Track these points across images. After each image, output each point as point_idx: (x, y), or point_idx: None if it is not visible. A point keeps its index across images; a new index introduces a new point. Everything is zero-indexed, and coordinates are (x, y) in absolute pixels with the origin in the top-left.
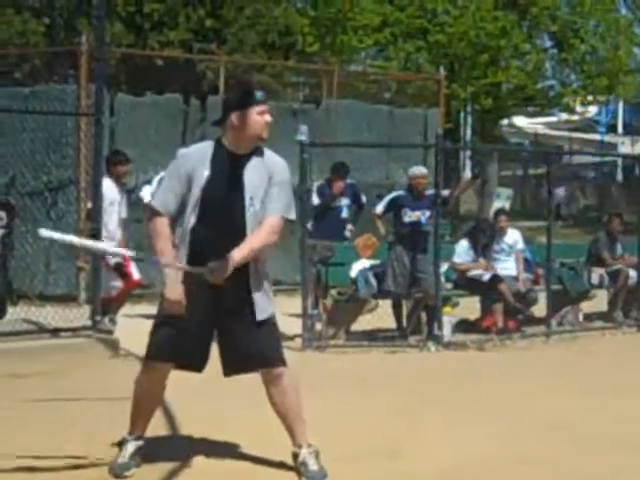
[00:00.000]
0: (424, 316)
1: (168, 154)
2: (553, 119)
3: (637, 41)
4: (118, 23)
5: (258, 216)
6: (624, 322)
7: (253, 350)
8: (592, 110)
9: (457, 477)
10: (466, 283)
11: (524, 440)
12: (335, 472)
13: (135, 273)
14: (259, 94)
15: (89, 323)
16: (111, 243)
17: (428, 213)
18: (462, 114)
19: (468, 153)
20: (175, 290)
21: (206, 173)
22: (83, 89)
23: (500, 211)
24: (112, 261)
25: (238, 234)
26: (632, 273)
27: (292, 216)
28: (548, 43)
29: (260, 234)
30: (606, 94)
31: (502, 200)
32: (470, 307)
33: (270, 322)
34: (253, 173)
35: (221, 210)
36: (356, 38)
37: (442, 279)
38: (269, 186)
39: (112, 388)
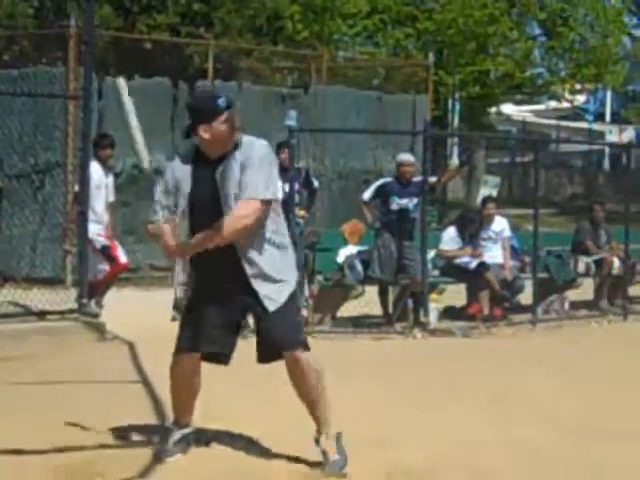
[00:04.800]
0: (410, 303)
1: (157, 138)
2: (541, 107)
3: (626, 30)
4: (107, 6)
5: None
6: (610, 310)
7: (270, 337)
8: (580, 98)
9: (447, 465)
10: (453, 270)
11: (512, 427)
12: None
13: (122, 256)
14: (221, 101)
15: (76, 306)
16: (98, 226)
17: (415, 200)
18: (450, 101)
19: (456, 140)
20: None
21: (189, 184)
22: (71, 72)
23: (488, 198)
24: (99, 244)
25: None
26: (617, 262)
27: (269, 195)
28: (537, 31)
29: (228, 219)
30: (594, 83)
31: (489, 187)
32: (456, 294)
33: (285, 307)
34: (226, 171)
35: (205, 216)
36: (345, 25)
37: (429, 266)
38: (243, 173)
39: (98, 371)
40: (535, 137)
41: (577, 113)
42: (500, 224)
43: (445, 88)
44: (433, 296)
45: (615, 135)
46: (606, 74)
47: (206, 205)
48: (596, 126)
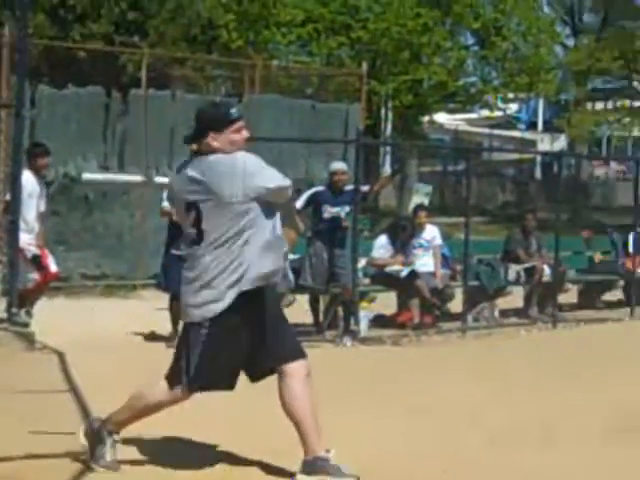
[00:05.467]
0: (341, 311)
1: (89, 147)
2: (474, 116)
3: (558, 39)
4: (41, 14)
5: None
6: (539, 318)
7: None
8: (513, 107)
9: (375, 477)
10: (384, 279)
11: (443, 437)
12: (247, 474)
13: (52, 265)
14: (233, 111)
15: (5, 316)
16: (29, 235)
17: (347, 208)
18: (383, 110)
19: (388, 149)
20: None
21: None
22: (4, 80)
23: (419, 207)
24: (29, 254)
25: None
26: (547, 270)
27: None
28: (470, 40)
29: None
30: (527, 91)
31: (421, 196)
32: (387, 302)
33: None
34: None
35: None
36: (279, 33)
37: (360, 274)
38: None
39: (26, 381)
40: (467, 145)
41: (509, 122)
42: (431, 232)
43: (378, 97)
44: (363, 304)
45: (547, 144)
46: (539, 83)
47: None
48: (528, 135)
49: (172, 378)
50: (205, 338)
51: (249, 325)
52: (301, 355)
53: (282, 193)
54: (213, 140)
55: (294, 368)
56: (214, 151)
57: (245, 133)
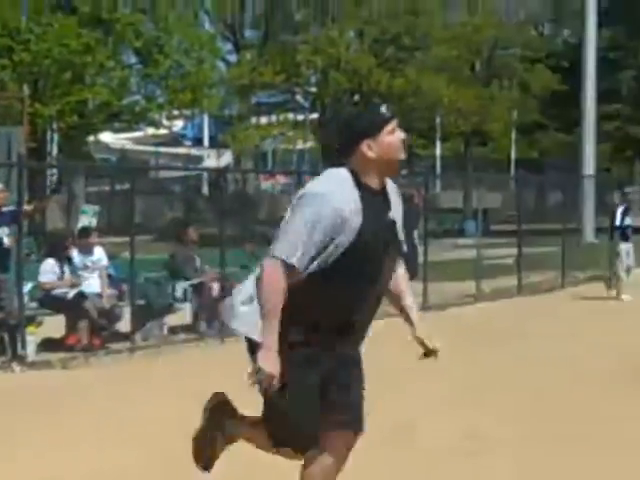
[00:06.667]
0: (7, 337)
1: None
2: (140, 134)
3: (220, 54)
4: None
5: None
6: (207, 333)
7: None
8: (178, 124)
9: None
10: (51, 301)
11: (118, 454)
12: None
13: None
14: (383, 109)
15: None
16: None
17: (7, 230)
18: (48, 132)
19: (55, 170)
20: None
21: (359, 221)
22: None
23: (86, 228)
24: None
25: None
26: (215, 285)
27: None
28: (133, 59)
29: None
30: (191, 108)
31: (89, 216)
32: (57, 326)
33: None
34: (397, 210)
35: (372, 262)
36: None
37: (26, 298)
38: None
39: None
40: (132, 164)
41: (176, 139)
42: (97, 253)
43: (42, 119)
44: (31, 328)
45: (214, 159)
46: (203, 99)
47: (377, 249)
48: (195, 151)
49: None
50: None
51: None
52: None
53: None
54: (369, 149)
55: None
56: (369, 164)
57: (400, 133)
